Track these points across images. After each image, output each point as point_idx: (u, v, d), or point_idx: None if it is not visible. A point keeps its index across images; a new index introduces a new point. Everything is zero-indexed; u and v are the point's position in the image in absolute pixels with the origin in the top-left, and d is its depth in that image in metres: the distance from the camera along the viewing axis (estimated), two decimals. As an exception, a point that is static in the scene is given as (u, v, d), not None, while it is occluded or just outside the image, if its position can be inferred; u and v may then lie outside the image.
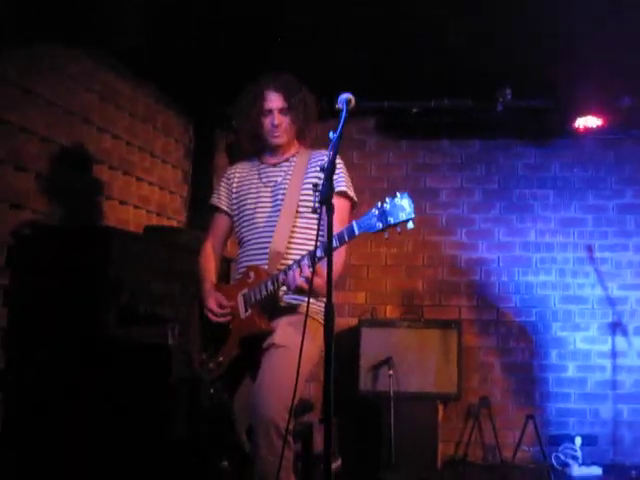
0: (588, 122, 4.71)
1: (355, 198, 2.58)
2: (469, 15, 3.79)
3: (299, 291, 2.31)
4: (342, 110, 2.06)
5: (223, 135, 5.01)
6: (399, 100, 4.84)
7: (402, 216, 2.06)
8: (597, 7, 3.52)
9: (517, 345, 4.98)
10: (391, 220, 2.07)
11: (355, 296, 5.08)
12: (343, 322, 4.97)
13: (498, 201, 5.08)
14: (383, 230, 2.10)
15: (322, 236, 2.24)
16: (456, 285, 5.03)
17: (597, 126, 4.70)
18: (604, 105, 4.75)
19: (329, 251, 2.04)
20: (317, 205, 2.04)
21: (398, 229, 2.06)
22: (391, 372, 4.51)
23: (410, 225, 2.06)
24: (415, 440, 4.49)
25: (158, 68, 4.25)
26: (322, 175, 2.12)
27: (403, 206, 2.06)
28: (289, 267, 2.32)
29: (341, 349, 4.70)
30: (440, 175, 5.13)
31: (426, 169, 5.15)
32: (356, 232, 2.21)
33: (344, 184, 2.56)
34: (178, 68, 4.23)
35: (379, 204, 2.08)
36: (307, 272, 2.23)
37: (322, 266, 2.27)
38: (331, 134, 2.10)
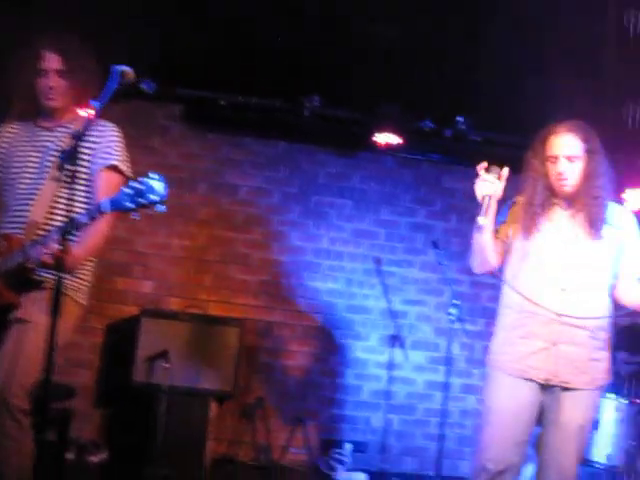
0: (389, 139, 5.56)
1: (129, 174, 2.76)
2: (278, 15, 4.51)
3: (45, 266, 2.41)
4: (114, 80, 2.32)
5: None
6: (208, 91, 5.44)
7: (153, 198, 2.23)
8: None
9: (299, 349, 5.76)
10: (142, 201, 2.23)
11: (141, 285, 5.64)
12: (125, 310, 5.51)
13: (296, 205, 5.87)
14: (134, 210, 2.27)
15: (81, 208, 2.54)
16: (245, 284, 5.75)
17: (398, 144, 5.56)
18: (406, 125, 5.62)
19: (72, 227, 2.29)
20: (63, 172, 2.21)
21: (150, 211, 2.29)
22: (167, 365, 5.06)
23: (160, 208, 2.26)
24: (185, 436, 5.11)
25: None
26: (89, 144, 2.53)
27: (154, 187, 2.22)
28: (39, 240, 2.44)
29: (120, 338, 5.28)
30: (241, 172, 5.87)
31: (228, 164, 5.87)
32: (105, 209, 2.35)
33: (116, 158, 2.75)
34: None
35: (132, 183, 2.24)
36: (53, 247, 2.31)
37: (76, 242, 2.50)
38: (95, 103, 2.43)
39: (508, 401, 2.83)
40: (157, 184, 2.23)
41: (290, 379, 5.81)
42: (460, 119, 5.56)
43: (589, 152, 2.84)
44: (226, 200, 5.89)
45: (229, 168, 5.95)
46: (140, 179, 2.25)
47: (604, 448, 4.67)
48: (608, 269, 2.88)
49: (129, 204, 2.25)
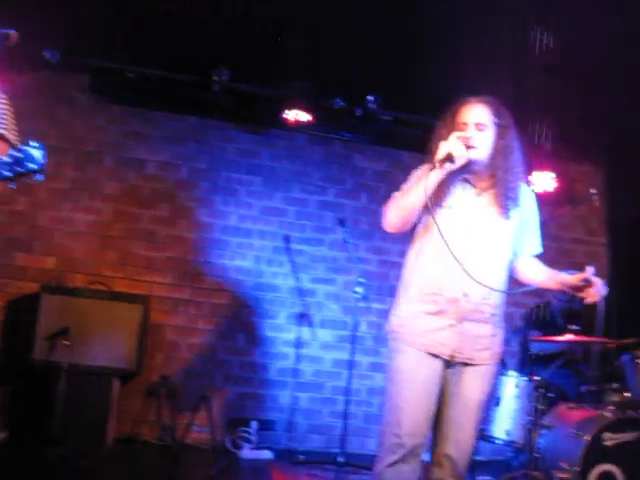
0: (299, 116, 5.74)
1: (14, 142, 2.76)
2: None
3: None
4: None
5: None
6: (116, 62, 5.50)
7: (31, 166, 2.25)
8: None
9: (205, 327, 5.95)
10: (19, 169, 2.24)
11: (42, 260, 5.73)
12: (25, 286, 5.56)
13: (204, 181, 6.06)
14: (12, 179, 2.29)
15: None
16: (151, 260, 5.92)
17: (307, 121, 5.74)
18: (316, 102, 5.81)
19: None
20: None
21: (29, 180, 2.31)
22: (67, 343, 5.17)
23: (39, 177, 2.29)
24: (86, 415, 5.28)
25: None
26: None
27: (34, 156, 2.24)
28: None
29: (20, 315, 5.33)
30: (149, 146, 6.02)
31: (136, 138, 6.04)
32: None
33: (1, 126, 2.76)
34: None
35: (11, 151, 2.26)
36: None
37: None
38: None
39: (417, 374, 2.86)
40: (37, 152, 2.24)
41: (196, 357, 5.99)
42: (370, 98, 5.79)
43: (500, 126, 2.90)
44: (133, 175, 6.03)
45: (136, 142, 6.08)
46: (20, 147, 2.26)
47: (504, 424, 5.00)
48: (510, 247, 3.00)
49: (6, 172, 2.25)
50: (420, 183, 2.82)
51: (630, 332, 5.50)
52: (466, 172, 2.93)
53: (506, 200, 2.90)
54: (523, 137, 6.00)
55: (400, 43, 5.06)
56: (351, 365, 5.40)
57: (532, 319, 6.06)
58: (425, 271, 2.95)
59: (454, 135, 2.81)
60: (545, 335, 5.61)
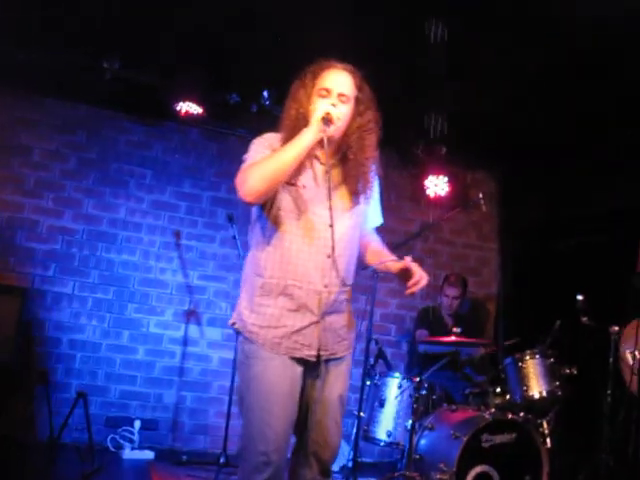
0: (190, 108, 5.65)
1: None
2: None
3: None
4: None
5: None
6: (4, 45, 5.28)
7: None
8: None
9: (88, 322, 5.75)
10: None
11: None
12: None
13: (93, 172, 5.94)
14: None
15: None
16: (32, 252, 5.67)
17: (198, 114, 5.66)
18: (210, 96, 5.72)
19: None
20: None
21: None
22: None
23: None
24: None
25: None
26: None
27: None
28: None
29: None
30: (37, 133, 5.85)
31: (23, 124, 5.86)
32: None
33: None
34: None
35: None
36: None
37: None
38: None
39: (283, 384, 2.61)
40: None
41: (78, 353, 5.82)
42: (265, 94, 5.75)
43: (360, 102, 2.71)
44: (17, 162, 5.81)
45: (24, 128, 5.87)
46: None
47: (386, 425, 5.05)
48: (360, 231, 2.85)
49: None
50: (293, 143, 2.55)
51: (517, 335, 5.64)
52: (321, 146, 2.67)
53: (358, 185, 2.72)
54: (418, 142, 6.16)
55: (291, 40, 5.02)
56: (236, 364, 5.31)
57: (421, 321, 6.15)
58: (282, 260, 2.66)
59: (325, 101, 2.63)
60: (432, 336, 5.70)
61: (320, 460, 2.74)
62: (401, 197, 6.83)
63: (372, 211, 2.91)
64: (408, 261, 2.70)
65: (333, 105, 2.62)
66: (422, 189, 6.45)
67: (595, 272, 5.86)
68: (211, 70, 5.53)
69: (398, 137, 6.18)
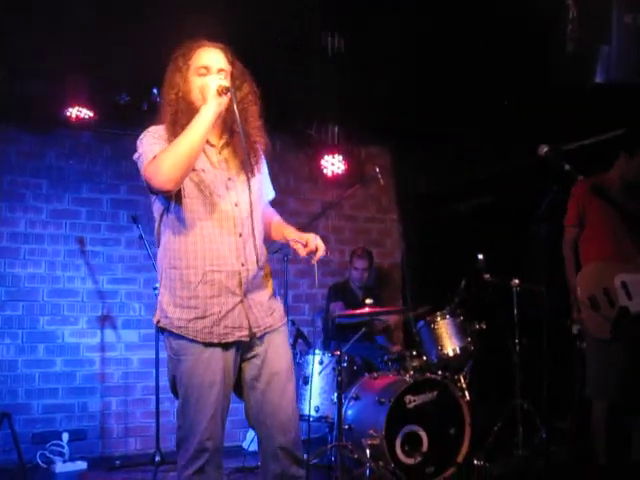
0: (82, 113, 5.63)
1: None
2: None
3: None
4: None
5: None
6: None
7: None
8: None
9: (2, 341, 5.76)
10: None
11: None
12: None
13: (-14, 187, 5.74)
14: None
15: None
16: None
17: (90, 118, 5.65)
18: (98, 98, 5.70)
19: None
20: None
21: None
22: None
23: None
24: None
25: None
26: None
27: None
28: None
29: None
30: None
31: None
32: None
33: None
34: None
35: None
36: None
37: None
38: None
39: (211, 375, 2.64)
40: None
41: (-5, 374, 5.75)
42: (155, 91, 5.77)
43: (235, 77, 2.76)
44: None
45: None
46: None
47: (313, 401, 5.23)
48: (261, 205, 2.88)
49: None
50: (196, 121, 2.55)
51: (426, 299, 5.92)
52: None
53: (250, 158, 2.74)
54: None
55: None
56: (158, 363, 5.40)
57: (334, 296, 6.36)
58: (196, 247, 2.68)
59: (210, 77, 2.66)
60: (346, 309, 5.91)
61: (284, 448, 2.73)
62: (299, 179, 7.01)
63: (265, 184, 2.95)
64: (303, 235, 2.77)
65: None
66: (319, 169, 6.64)
67: (491, 230, 6.21)
68: (98, 72, 5.49)
69: (292, 120, 6.36)
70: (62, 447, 5.72)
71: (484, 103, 5.60)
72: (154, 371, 5.56)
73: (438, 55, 5.17)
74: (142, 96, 5.86)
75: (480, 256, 5.48)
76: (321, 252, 2.72)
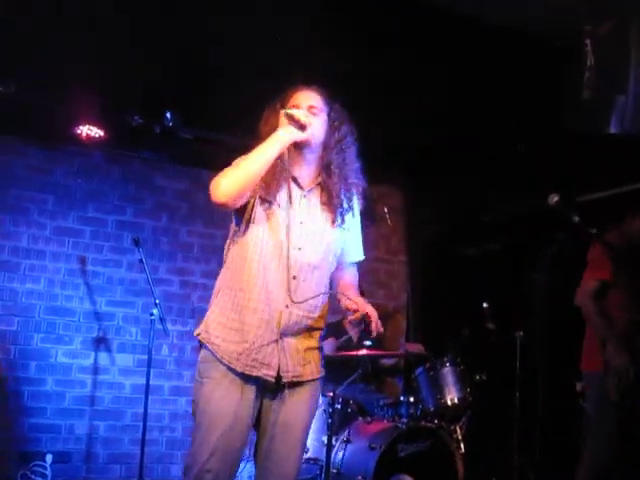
0: (91, 131, 5.61)
1: None
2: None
3: None
4: None
5: None
6: None
7: None
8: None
9: (-7, 355, 5.59)
10: None
11: None
12: None
13: (-9, 200, 5.70)
14: None
15: None
16: None
17: (100, 137, 5.62)
18: (110, 118, 5.68)
19: None
20: None
21: None
22: None
23: None
24: None
25: None
26: None
27: None
28: None
29: None
30: None
31: None
32: None
33: None
34: None
35: None
36: None
37: None
38: None
39: (227, 404, 2.60)
40: None
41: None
42: (168, 115, 5.75)
43: (333, 118, 2.77)
44: None
45: None
46: None
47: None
48: (336, 255, 2.83)
49: None
50: (265, 144, 2.63)
51: (427, 345, 5.80)
52: (296, 164, 2.79)
53: (339, 202, 2.72)
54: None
55: (194, 59, 5.05)
56: (149, 390, 5.29)
57: (327, 334, 6.23)
58: (250, 274, 2.67)
59: (297, 110, 2.70)
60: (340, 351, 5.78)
61: None
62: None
63: (352, 243, 2.88)
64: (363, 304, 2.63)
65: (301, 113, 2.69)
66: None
67: (498, 277, 6.10)
68: (111, 91, 5.47)
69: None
70: (45, 468, 5.61)
71: (498, 147, 5.55)
72: (144, 398, 5.45)
73: (453, 98, 5.14)
74: (155, 119, 5.82)
75: (485, 304, 5.36)
76: (374, 327, 2.57)
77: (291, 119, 2.63)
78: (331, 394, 4.96)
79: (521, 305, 5.84)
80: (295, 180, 2.74)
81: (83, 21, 4.75)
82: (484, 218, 6.47)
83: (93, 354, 6.02)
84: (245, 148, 2.90)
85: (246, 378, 2.63)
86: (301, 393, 2.71)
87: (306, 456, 5.05)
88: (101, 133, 5.75)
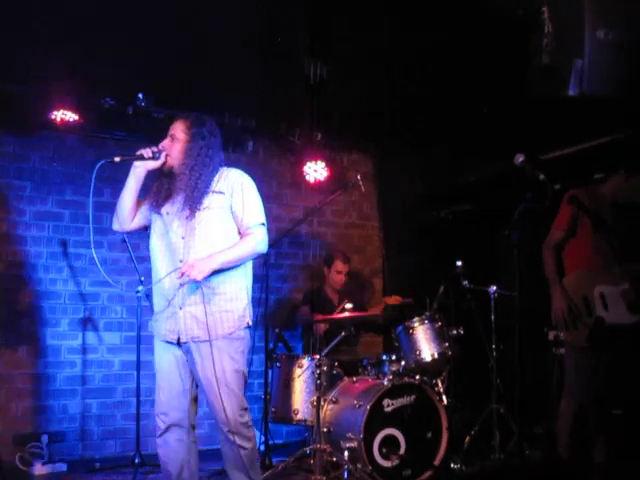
0: (67, 116, 5.68)
1: None
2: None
3: None
4: None
5: None
6: None
7: None
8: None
9: (-18, 341, 5.70)
10: None
11: None
12: None
13: (-31, 189, 5.78)
14: None
15: None
16: None
17: (75, 121, 5.71)
18: (83, 102, 5.75)
19: None
20: None
21: None
22: None
23: None
24: None
25: None
26: None
27: None
28: None
29: None
30: None
31: None
32: None
33: None
34: None
35: None
36: None
37: None
38: None
39: (160, 362, 3.59)
40: None
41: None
42: (140, 95, 5.85)
43: (193, 135, 3.62)
44: None
45: None
46: None
47: (294, 405, 5.31)
48: (222, 232, 3.58)
49: None
50: (127, 183, 3.74)
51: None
52: (169, 180, 3.65)
53: (190, 201, 3.53)
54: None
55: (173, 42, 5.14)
56: (139, 366, 5.47)
57: (304, 300, 6.46)
58: (156, 267, 3.65)
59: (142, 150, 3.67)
60: (322, 314, 5.98)
61: (225, 431, 3.48)
62: (282, 185, 7.11)
63: (237, 213, 3.63)
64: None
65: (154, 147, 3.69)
66: (302, 175, 6.74)
67: (471, 237, 6.33)
68: (83, 75, 5.53)
69: (275, 127, 6.45)
70: (41, 449, 5.74)
71: (464, 111, 5.72)
72: (135, 373, 5.62)
73: (419, 63, 5.29)
74: (127, 100, 5.91)
75: (459, 263, 5.59)
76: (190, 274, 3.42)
77: (141, 158, 3.66)
78: (317, 357, 5.18)
79: (493, 262, 6.10)
80: (171, 189, 3.72)
81: (51, 5, 4.82)
82: (454, 181, 6.67)
83: (81, 334, 6.17)
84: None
85: (166, 342, 3.68)
86: (206, 350, 3.46)
87: (296, 418, 5.28)
88: (75, 117, 5.81)
